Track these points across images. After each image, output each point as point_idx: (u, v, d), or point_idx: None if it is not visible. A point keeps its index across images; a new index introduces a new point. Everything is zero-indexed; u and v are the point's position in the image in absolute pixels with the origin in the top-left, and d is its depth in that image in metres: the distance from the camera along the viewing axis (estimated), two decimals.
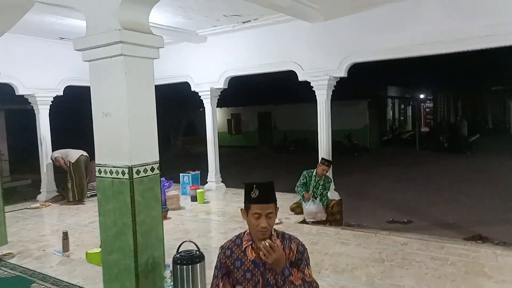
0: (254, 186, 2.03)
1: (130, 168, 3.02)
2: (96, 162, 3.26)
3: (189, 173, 8.04)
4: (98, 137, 3.25)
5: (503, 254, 4.15)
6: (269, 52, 7.07)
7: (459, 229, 7.14)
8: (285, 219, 5.90)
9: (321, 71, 6.58)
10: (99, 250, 3.87)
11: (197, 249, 3.14)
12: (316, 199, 6.08)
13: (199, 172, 8.24)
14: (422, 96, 24.76)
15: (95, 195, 3.78)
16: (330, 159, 6.51)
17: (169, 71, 8.12)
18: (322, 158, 6.38)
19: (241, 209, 2.13)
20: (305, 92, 19.46)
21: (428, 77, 22.75)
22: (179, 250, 3.13)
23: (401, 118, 24.56)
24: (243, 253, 2.09)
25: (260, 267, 2.04)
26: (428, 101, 26.08)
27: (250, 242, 2.09)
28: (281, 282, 2.00)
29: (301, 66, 6.79)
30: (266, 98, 20.32)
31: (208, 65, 7.84)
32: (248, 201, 2.06)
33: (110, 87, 3.11)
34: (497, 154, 16.05)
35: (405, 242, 4.63)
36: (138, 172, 3.06)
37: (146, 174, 3.12)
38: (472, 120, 20.52)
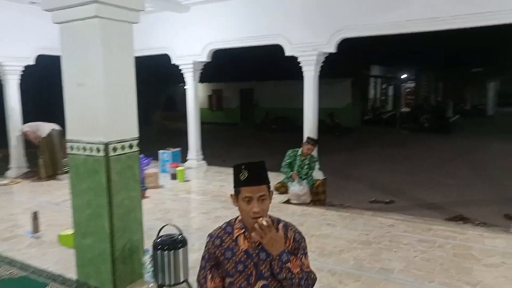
0: (243, 167, 1.80)
1: (106, 145, 2.75)
2: (67, 138, 2.96)
3: (169, 150, 7.76)
4: (70, 110, 2.94)
5: (490, 236, 4.12)
6: (256, 24, 6.74)
7: (440, 209, 7.17)
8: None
9: (309, 46, 6.33)
10: (72, 231, 3.61)
11: (179, 233, 2.92)
12: (301, 179, 5.93)
13: (179, 149, 7.96)
14: (403, 76, 24.83)
15: None
16: (315, 138, 6.34)
17: (148, 42, 7.68)
18: (308, 137, 6.21)
19: (231, 195, 1.90)
20: (289, 68, 19.06)
21: (410, 57, 22.74)
22: (160, 234, 2.91)
23: (383, 97, 24.63)
24: (235, 242, 1.88)
25: (254, 258, 1.83)
26: (410, 82, 26.20)
27: (243, 230, 1.88)
28: (277, 270, 1.77)
29: (289, 40, 6.51)
30: (249, 74, 19.89)
31: (190, 37, 7.45)
32: (238, 184, 1.83)
33: (84, 54, 2.79)
34: (476, 135, 16.32)
35: (392, 224, 4.56)
36: (115, 149, 2.79)
37: (124, 152, 2.86)
38: (452, 102, 20.72)
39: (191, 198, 6.03)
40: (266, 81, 20.01)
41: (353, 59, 17.36)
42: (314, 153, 6.34)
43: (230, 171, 7.09)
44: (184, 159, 8.12)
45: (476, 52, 23.33)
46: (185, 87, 8.24)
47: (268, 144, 15.61)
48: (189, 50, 7.53)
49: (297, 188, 5.64)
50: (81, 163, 2.86)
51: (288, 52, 6.58)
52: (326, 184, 6.40)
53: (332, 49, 6.24)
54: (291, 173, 5.91)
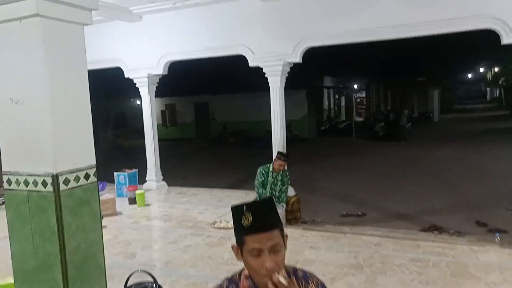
0: (245, 207, 1.34)
1: (55, 177, 2.18)
2: (3, 169, 2.34)
3: (125, 172, 7.05)
4: (5, 133, 2.33)
5: (480, 250, 3.93)
6: (216, 34, 6.33)
7: (412, 219, 7.06)
8: None
9: (274, 56, 6.01)
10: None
11: (152, 280, 2.38)
12: (276, 196, 5.53)
13: (136, 170, 7.29)
14: (355, 86, 25.48)
15: None
16: (285, 152, 5.98)
17: (97, 54, 6.97)
18: (278, 152, 5.81)
19: (232, 246, 1.41)
20: (246, 81, 18.80)
21: (360, 68, 23.43)
22: (129, 284, 2.35)
23: (336, 108, 25.07)
24: None
25: None
26: (360, 92, 26.95)
27: None
28: None
29: (252, 50, 6.16)
30: (203, 88, 19.36)
31: (144, 48, 6.88)
32: (240, 232, 1.35)
33: (22, 63, 2.21)
34: (426, 142, 16.87)
35: (378, 243, 4.26)
36: (66, 181, 2.22)
37: (79, 184, 2.29)
38: (401, 110, 21.43)
39: (154, 226, 5.41)
40: (222, 94, 19.59)
41: (306, 70, 17.48)
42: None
43: (194, 191, 6.53)
44: (142, 181, 7.45)
45: (420, 62, 24.55)
46: (137, 102, 7.60)
47: (228, 158, 15.13)
48: (143, 62, 6.95)
49: None
50: (22, 201, 2.25)
51: (251, 63, 6.23)
52: (301, 201, 6.05)
53: (297, 58, 5.97)
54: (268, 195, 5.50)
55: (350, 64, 21.71)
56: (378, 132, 17.80)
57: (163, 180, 7.66)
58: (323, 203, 8.26)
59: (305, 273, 1.50)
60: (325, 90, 22.83)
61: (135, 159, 9.52)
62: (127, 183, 6.88)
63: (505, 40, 4.83)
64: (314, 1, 5.70)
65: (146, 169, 7.55)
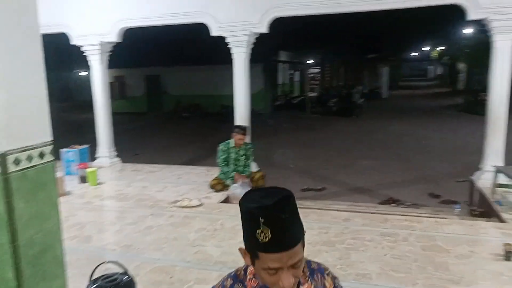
0: (262, 220, 1.03)
1: (3, 156, 1.81)
2: None
3: (74, 148, 6.51)
4: None
5: (445, 223, 4.03)
6: (177, 0, 5.86)
7: (369, 192, 7.23)
8: (205, 199, 5.03)
9: (239, 25, 5.70)
10: None
11: (123, 271, 2.12)
12: (241, 173, 5.36)
13: (87, 146, 6.76)
14: (308, 62, 25.58)
15: None
16: (243, 125, 5.71)
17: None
18: (235, 126, 5.56)
19: (239, 249, 1.17)
20: (201, 53, 18.16)
21: (314, 43, 23.48)
22: (94, 276, 2.07)
23: (290, 83, 25.10)
24: None
25: None
26: (313, 67, 27.14)
27: None
28: None
29: (215, 19, 5.79)
30: (155, 59, 18.45)
31: (96, 12, 6.26)
32: (254, 245, 1.08)
33: None
34: (377, 117, 17.42)
35: (347, 218, 4.23)
36: (17, 161, 1.86)
37: (32, 164, 1.94)
38: (353, 86, 21.94)
39: (109, 206, 5.04)
40: (175, 66, 18.79)
41: (262, 43, 17.16)
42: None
43: (150, 168, 6.17)
44: (93, 158, 6.94)
45: (371, 40, 25.05)
46: (82, 73, 6.98)
47: (182, 134, 14.67)
48: (94, 28, 6.33)
49: (239, 190, 5.02)
50: None
51: (214, 32, 5.87)
52: (265, 175, 5.91)
53: (264, 29, 5.71)
54: (234, 174, 5.29)
55: (304, 39, 21.68)
56: (332, 107, 18.08)
57: (116, 156, 7.19)
58: (282, 178, 8.23)
59: (319, 267, 1.32)
60: (280, 65, 22.69)
61: (83, 134, 8.87)
62: (77, 160, 6.36)
63: (471, 16, 4.88)
64: None
65: (96, 145, 7.03)
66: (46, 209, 2.01)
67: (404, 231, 3.80)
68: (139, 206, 4.87)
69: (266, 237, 1.03)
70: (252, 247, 1.08)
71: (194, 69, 18.38)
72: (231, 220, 4.27)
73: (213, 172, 6.18)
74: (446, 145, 11.13)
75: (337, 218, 4.23)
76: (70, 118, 18.52)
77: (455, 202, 6.27)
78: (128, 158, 8.11)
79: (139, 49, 15.85)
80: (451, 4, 5.06)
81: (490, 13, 4.80)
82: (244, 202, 1.09)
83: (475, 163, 8.65)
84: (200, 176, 6.15)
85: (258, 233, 1.04)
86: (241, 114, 6.04)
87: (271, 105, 20.40)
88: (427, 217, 4.29)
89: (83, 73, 21.76)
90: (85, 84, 7.81)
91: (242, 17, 5.64)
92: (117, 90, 21.02)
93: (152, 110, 20.35)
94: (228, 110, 16.98)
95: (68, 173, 6.27)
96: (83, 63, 6.77)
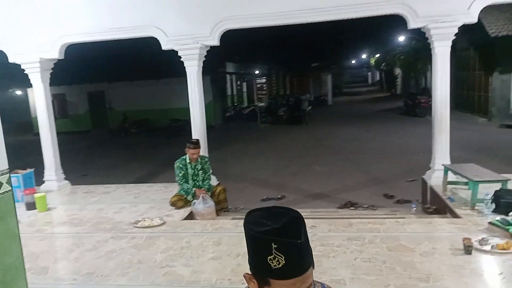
0: (274, 246, 0.98)
1: None
2: None
3: (17, 173, 6.03)
4: None
5: (405, 222, 4.20)
6: (124, 13, 5.71)
7: (328, 198, 7.40)
8: (167, 217, 4.86)
9: (190, 38, 5.63)
10: None
11: None
12: (200, 187, 5.24)
13: (32, 170, 6.29)
14: (256, 72, 25.93)
15: None
16: (195, 139, 5.59)
17: None
18: (188, 142, 5.42)
19: (245, 275, 1.10)
20: (147, 67, 17.76)
21: (259, 54, 23.88)
22: None
23: (239, 94, 25.24)
24: None
25: None
26: (260, 78, 27.54)
27: None
28: None
29: (165, 32, 5.68)
30: (98, 75, 17.72)
31: (35, 28, 5.89)
32: (264, 272, 1.03)
33: None
34: (326, 124, 17.98)
35: (313, 225, 4.28)
36: None
37: None
38: (301, 94, 22.48)
39: (64, 232, 4.71)
40: (120, 81, 18.18)
41: (208, 55, 17.12)
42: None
43: (103, 188, 5.85)
44: (39, 182, 6.48)
45: (314, 49, 26.00)
46: (16, 93, 6.53)
47: (132, 150, 14.15)
48: (34, 45, 5.95)
49: (201, 206, 4.90)
50: None
51: (165, 46, 5.75)
52: (225, 189, 5.83)
53: (215, 41, 5.69)
54: (194, 189, 5.16)
55: (250, 50, 21.98)
56: (282, 116, 18.40)
57: (65, 179, 6.77)
58: (241, 189, 8.20)
59: (323, 285, 1.29)
60: (228, 77, 22.77)
61: (23, 157, 8.29)
62: (22, 186, 5.90)
63: (412, 25, 5.18)
64: None
65: (43, 168, 6.58)
66: (5, 243, 1.81)
67: (369, 233, 3.91)
68: (97, 230, 4.59)
69: (279, 263, 0.97)
70: (262, 273, 1.02)
71: (141, 84, 17.92)
72: (197, 237, 4.15)
73: (172, 189, 6.01)
74: (392, 147, 11.71)
75: None
76: (7, 140, 17.18)
77: (409, 201, 6.61)
78: (76, 180, 7.68)
79: (80, 65, 15.14)
80: (389, 14, 5.36)
81: (428, 22, 5.13)
82: (250, 226, 1.03)
83: (420, 163, 9.20)
84: (158, 194, 5.94)
85: (269, 260, 0.98)
86: (197, 128, 5.95)
87: (221, 117, 20.36)
88: (388, 218, 4.45)
89: (19, 92, 20.40)
90: (20, 105, 7.27)
91: (192, 30, 5.58)
92: (57, 108, 19.89)
93: (97, 127, 19.48)
94: (178, 124, 16.73)
95: (15, 201, 5.78)
96: (19, 81, 6.33)
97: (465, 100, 16.83)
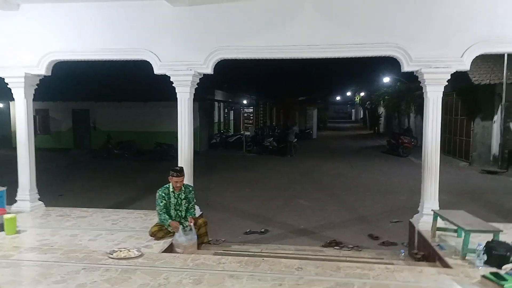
0: None
1: None
2: None
3: None
4: None
5: (396, 269, 4.04)
6: (117, 35, 5.63)
7: (313, 234, 7.22)
8: (145, 249, 4.59)
9: (184, 65, 5.56)
10: None
11: None
12: (184, 219, 5.01)
13: (4, 189, 5.95)
14: (244, 102, 26.07)
15: None
16: (178, 167, 5.39)
17: None
18: (171, 169, 5.23)
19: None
20: (134, 88, 17.62)
21: (250, 83, 24.11)
22: None
23: (225, 121, 25.24)
24: None
25: None
26: (247, 107, 27.69)
27: None
28: None
29: (158, 57, 5.60)
30: (84, 93, 17.48)
31: (22, 43, 5.74)
32: None
33: None
34: (311, 157, 17.98)
35: (299, 266, 4.07)
36: None
37: None
38: (288, 126, 22.60)
39: (32, 260, 4.36)
40: (106, 101, 17.96)
41: (199, 83, 17.15)
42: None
43: (79, 212, 5.56)
44: (11, 201, 6.12)
45: (302, 83, 26.41)
46: None
47: (114, 172, 13.76)
48: (19, 59, 5.77)
49: (183, 238, 4.66)
50: None
51: (157, 71, 5.65)
52: (207, 222, 5.59)
53: (209, 70, 5.63)
54: (170, 222, 4.91)
55: (240, 80, 22.17)
56: (268, 146, 18.36)
57: (39, 199, 6.43)
58: (223, 220, 7.97)
59: None
60: (216, 104, 22.81)
61: None
62: None
63: (405, 68, 5.23)
64: (228, 12, 5.44)
65: (16, 186, 6.25)
66: None
67: (359, 280, 3.73)
68: (68, 259, 4.27)
69: None
70: None
71: (128, 105, 17.75)
72: (177, 273, 3.89)
73: (152, 217, 5.76)
74: (376, 185, 11.69)
75: (290, 267, 4.05)
76: None
77: (394, 244, 6.49)
78: (51, 200, 7.32)
79: (66, 81, 14.91)
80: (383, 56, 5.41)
81: (422, 66, 5.19)
82: None
83: (404, 203, 9.19)
84: (138, 222, 5.66)
85: None
86: (185, 154, 5.78)
87: (207, 143, 20.20)
88: (377, 263, 4.29)
89: (0, 105, 19.87)
90: (2, 116, 6.97)
91: (186, 56, 5.51)
92: (39, 124, 19.43)
93: (79, 146, 19.03)
94: (162, 148, 16.46)
95: None
96: (2, 93, 6.09)
97: (448, 143, 17.14)
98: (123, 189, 10.43)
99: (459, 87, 14.70)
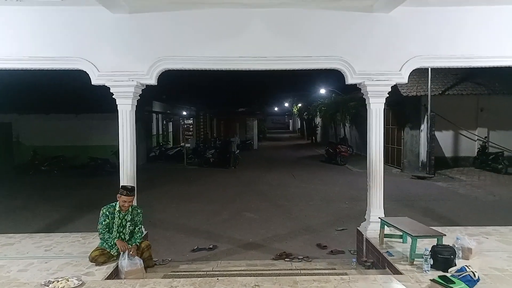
0: None
1: None
2: None
3: None
4: None
5: (351, 280, 4.05)
6: (49, 42, 5.14)
7: (262, 248, 7.12)
8: (86, 276, 4.17)
9: (125, 75, 5.23)
10: None
11: None
12: (126, 240, 4.65)
13: None
14: (183, 113, 25.54)
15: None
16: (130, 185, 5.12)
17: None
18: (122, 187, 4.95)
19: None
20: (64, 100, 16.47)
21: (189, 95, 23.70)
22: None
23: (164, 134, 24.52)
24: None
25: None
26: (187, 118, 27.21)
27: None
28: None
29: (96, 67, 5.21)
30: (5, 105, 15.94)
31: None
32: None
33: None
34: (253, 168, 17.99)
35: (256, 284, 3.94)
36: None
37: None
38: (229, 137, 22.52)
39: None
40: (32, 114, 16.56)
41: None
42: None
43: (5, 239, 4.99)
44: None
45: (242, 95, 26.57)
46: None
47: (42, 191, 12.58)
48: None
49: (125, 263, 4.31)
50: None
51: (95, 81, 5.26)
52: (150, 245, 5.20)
53: (152, 80, 5.35)
54: (116, 241, 4.54)
55: (179, 91, 21.71)
56: (209, 158, 18.08)
57: None
58: (168, 238, 7.60)
59: None
60: (154, 116, 22.08)
61: None
62: None
63: (350, 81, 5.38)
64: (172, 21, 5.22)
65: None
66: None
67: None
68: None
69: None
70: None
71: (57, 117, 16.50)
72: None
73: (91, 240, 5.31)
74: (318, 194, 11.94)
75: (247, 286, 3.89)
76: None
77: (341, 252, 6.61)
78: None
79: None
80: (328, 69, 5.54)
81: (365, 79, 5.38)
82: None
83: (347, 211, 9.46)
84: (75, 246, 5.17)
85: None
86: (127, 170, 5.40)
87: (145, 156, 19.41)
88: (331, 274, 4.29)
89: None
90: None
91: (127, 66, 5.19)
92: None
93: (0, 162, 17.29)
94: (97, 163, 15.49)
95: None
96: None
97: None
98: (55, 208, 9.55)
99: (390, 99, 15.56)
